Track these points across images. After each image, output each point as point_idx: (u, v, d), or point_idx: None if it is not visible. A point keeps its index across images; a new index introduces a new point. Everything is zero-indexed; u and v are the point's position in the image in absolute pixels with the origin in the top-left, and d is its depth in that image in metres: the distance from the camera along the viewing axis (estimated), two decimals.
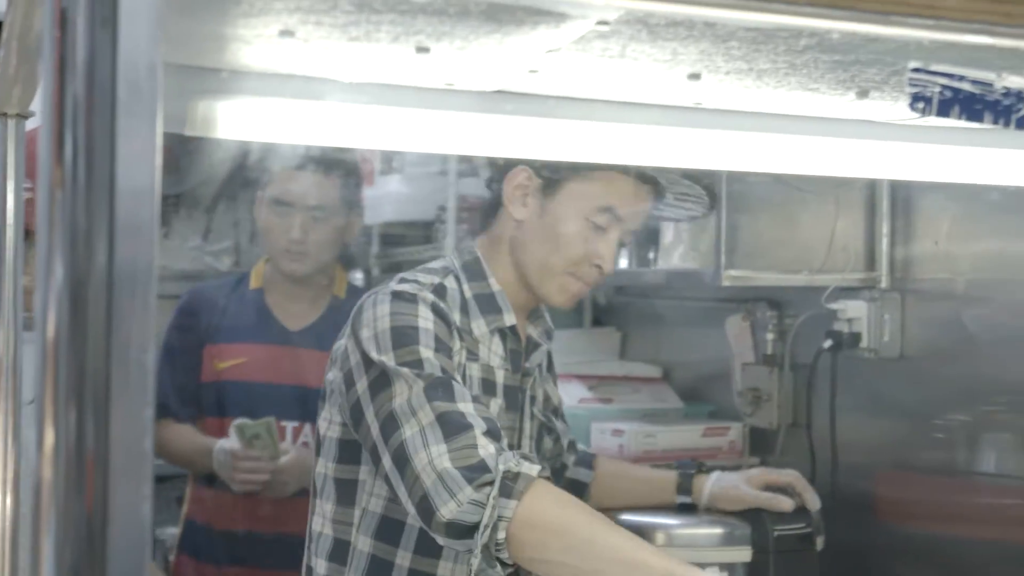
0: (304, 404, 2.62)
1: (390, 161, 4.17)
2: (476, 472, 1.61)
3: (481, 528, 1.58)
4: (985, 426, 2.34)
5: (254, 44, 0.95)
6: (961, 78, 0.96)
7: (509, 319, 1.93)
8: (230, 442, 2.60)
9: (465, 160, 3.83)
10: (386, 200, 3.99)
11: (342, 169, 2.79)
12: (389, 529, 1.87)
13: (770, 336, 2.92)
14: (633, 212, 1.92)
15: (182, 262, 5.41)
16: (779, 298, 2.91)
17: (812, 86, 1.08)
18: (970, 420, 2.36)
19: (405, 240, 4.09)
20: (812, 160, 1.29)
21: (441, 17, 0.88)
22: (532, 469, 1.61)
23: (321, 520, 1.95)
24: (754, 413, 2.92)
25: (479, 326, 1.90)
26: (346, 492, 1.89)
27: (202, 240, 5.36)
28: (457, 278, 1.92)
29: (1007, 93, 0.98)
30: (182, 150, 4.70)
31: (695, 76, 1.05)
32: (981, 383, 2.35)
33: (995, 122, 0.97)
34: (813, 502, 2.22)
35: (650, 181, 1.91)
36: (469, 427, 1.65)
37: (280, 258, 2.75)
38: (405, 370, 1.71)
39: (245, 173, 2.68)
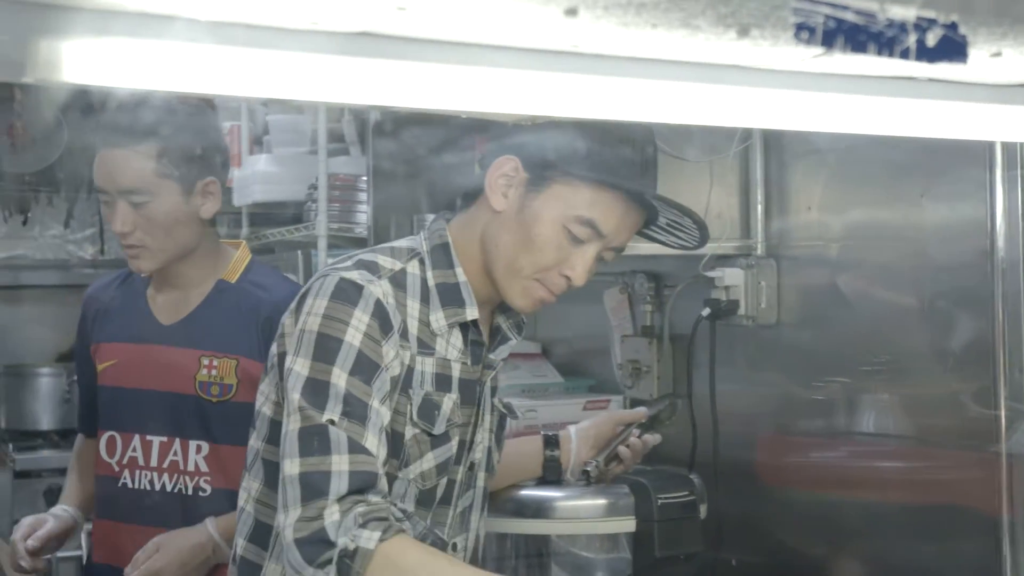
0: (173, 414, 2.35)
1: (258, 140, 4.08)
2: (318, 548, 1.57)
3: None
4: (862, 388, 2.35)
5: None
6: (845, 8, 0.93)
7: (471, 313, 1.82)
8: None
9: (336, 139, 3.75)
10: (254, 180, 3.89)
11: (160, 136, 2.26)
12: None
13: (648, 308, 2.91)
14: (616, 230, 1.78)
15: (44, 251, 5.24)
16: (656, 269, 2.90)
17: (693, 23, 1.04)
18: (848, 382, 2.38)
19: (275, 220, 3.99)
20: (698, 109, 1.25)
21: None
22: (370, 540, 1.56)
23: (246, 496, 1.86)
24: (634, 385, 2.91)
25: (438, 319, 1.79)
26: (274, 475, 1.77)
27: (63, 228, 5.18)
28: (422, 262, 1.82)
29: (890, 24, 0.95)
30: (36, 125, 4.54)
31: (572, 12, 1.00)
32: (857, 346, 2.36)
33: (879, 53, 0.95)
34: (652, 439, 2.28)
35: (642, 202, 1.79)
36: (323, 494, 1.59)
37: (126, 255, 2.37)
38: (295, 396, 1.66)
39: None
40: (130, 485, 2.37)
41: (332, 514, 1.58)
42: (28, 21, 0.95)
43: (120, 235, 2.30)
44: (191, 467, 2.34)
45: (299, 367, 1.68)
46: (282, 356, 1.76)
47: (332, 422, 1.63)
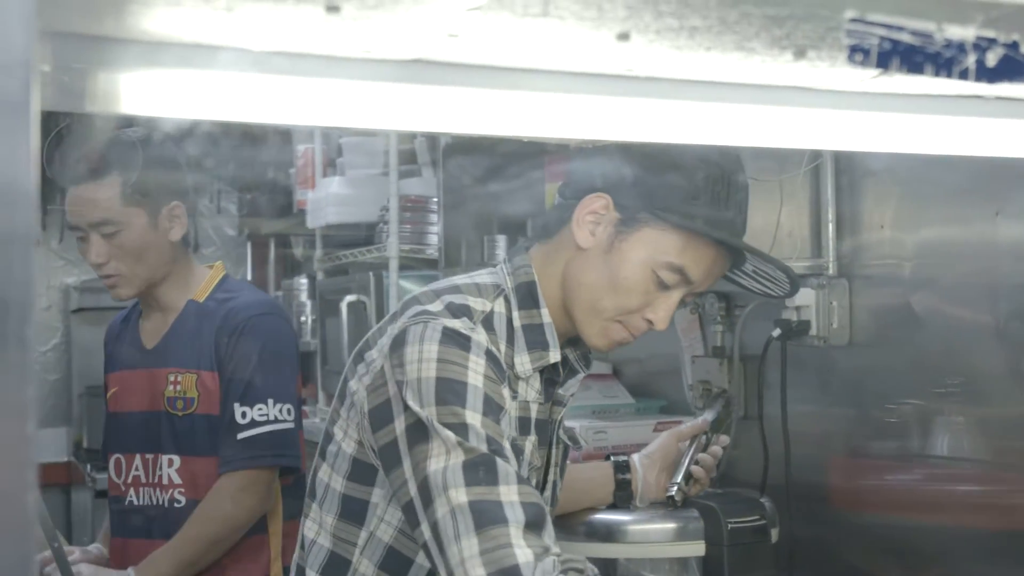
0: (155, 431, 2.48)
1: (332, 162, 4.12)
2: None
3: None
4: (937, 410, 2.31)
5: (153, 7, 0.89)
6: (900, 29, 0.92)
7: (554, 356, 1.75)
8: None
9: (408, 160, 3.78)
10: (328, 202, 3.93)
11: (121, 168, 2.41)
12: (396, 562, 1.72)
13: (719, 328, 2.89)
14: (704, 277, 1.73)
15: None
16: (727, 289, 2.87)
17: (747, 45, 1.03)
18: (922, 405, 2.34)
19: (349, 241, 4.02)
20: (756, 131, 1.24)
21: None
22: None
23: (317, 528, 1.78)
24: (706, 406, 2.88)
25: (523, 362, 1.72)
26: (354, 511, 1.73)
27: None
28: (507, 300, 1.74)
29: (948, 44, 0.93)
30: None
31: (624, 36, 1.00)
32: (930, 367, 2.32)
33: (936, 74, 0.93)
34: (723, 439, 2.28)
35: (733, 250, 1.75)
36: (504, 520, 1.49)
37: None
38: (447, 432, 1.55)
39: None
40: (136, 502, 2.53)
41: (524, 553, 1.48)
42: (87, 53, 0.96)
43: (95, 267, 2.43)
44: (165, 480, 2.46)
45: (428, 414, 1.58)
46: (382, 406, 1.64)
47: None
